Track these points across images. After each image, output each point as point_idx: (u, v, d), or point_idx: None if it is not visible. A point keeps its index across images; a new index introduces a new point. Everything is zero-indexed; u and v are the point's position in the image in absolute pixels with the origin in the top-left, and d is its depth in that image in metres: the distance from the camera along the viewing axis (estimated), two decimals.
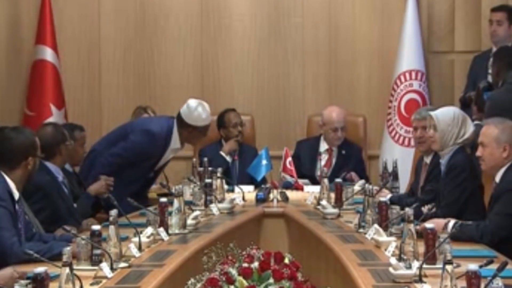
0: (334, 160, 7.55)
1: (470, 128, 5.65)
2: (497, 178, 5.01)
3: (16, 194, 4.61)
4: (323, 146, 7.60)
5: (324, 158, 7.53)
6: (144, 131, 6.66)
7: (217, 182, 6.41)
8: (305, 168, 7.39)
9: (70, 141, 5.78)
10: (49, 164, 5.57)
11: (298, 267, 4.53)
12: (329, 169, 7.33)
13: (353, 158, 7.56)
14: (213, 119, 7.77)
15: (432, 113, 5.75)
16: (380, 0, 8.41)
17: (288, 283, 4.35)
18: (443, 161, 5.65)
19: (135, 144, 6.62)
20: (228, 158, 7.57)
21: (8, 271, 3.88)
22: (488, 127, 5.11)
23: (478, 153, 5.11)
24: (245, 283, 4.35)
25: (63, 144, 5.65)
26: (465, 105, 6.98)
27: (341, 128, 7.52)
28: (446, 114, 5.69)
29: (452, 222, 4.88)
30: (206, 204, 6.20)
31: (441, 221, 4.89)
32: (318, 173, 7.44)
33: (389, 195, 6.04)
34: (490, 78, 7.45)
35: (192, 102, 6.71)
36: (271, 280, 4.36)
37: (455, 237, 4.53)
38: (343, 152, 7.56)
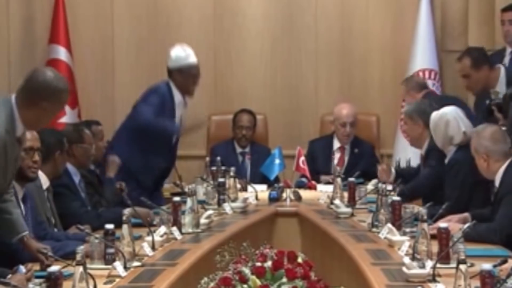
0: (346, 159, 7.55)
1: (458, 130, 5.69)
2: (496, 183, 4.99)
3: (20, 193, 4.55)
4: (336, 144, 7.61)
5: (336, 157, 7.54)
6: (147, 92, 6.86)
7: (230, 181, 6.42)
8: (321, 165, 7.39)
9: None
10: (68, 165, 5.52)
11: (311, 267, 4.52)
12: (342, 167, 7.32)
13: (365, 156, 7.55)
14: (229, 118, 7.82)
15: None
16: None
17: (301, 282, 4.34)
18: (446, 161, 5.73)
19: (147, 107, 6.76)
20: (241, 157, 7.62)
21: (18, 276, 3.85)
22: (471, 139, 5.16)
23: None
24: (258, 282, 4.34)
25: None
26: (490, 114, 6.92)
27: (350, 123, 7.51)
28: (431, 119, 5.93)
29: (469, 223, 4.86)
30: (219, 203, 6.20)
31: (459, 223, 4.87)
32: (333, 171, 7.46)
33: None
34: None
35: (172, 49, 6.94)
36: (284, 279, 4.35)
37: (469, 237, 4.54)
38: (356, 150, 7.56)
